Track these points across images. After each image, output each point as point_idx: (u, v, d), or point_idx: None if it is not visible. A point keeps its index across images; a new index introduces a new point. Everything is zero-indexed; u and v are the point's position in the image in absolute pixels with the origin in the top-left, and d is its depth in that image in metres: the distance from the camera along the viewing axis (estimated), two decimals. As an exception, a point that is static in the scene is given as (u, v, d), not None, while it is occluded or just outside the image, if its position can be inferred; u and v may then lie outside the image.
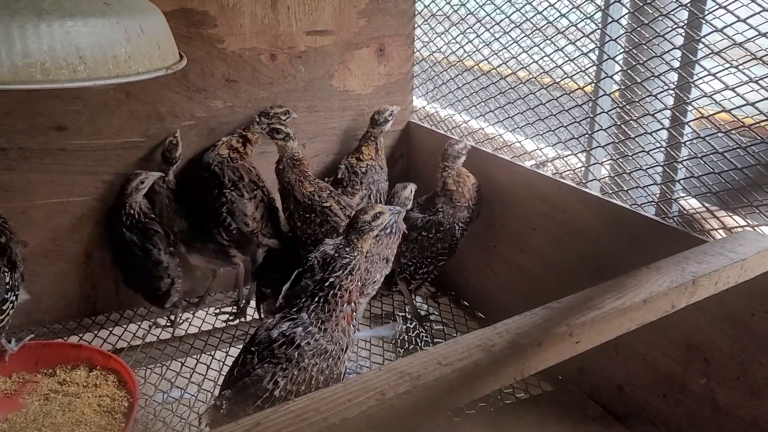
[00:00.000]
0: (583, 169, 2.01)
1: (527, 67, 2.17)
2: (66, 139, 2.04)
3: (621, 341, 1.18)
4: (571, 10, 1.98)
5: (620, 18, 1.82)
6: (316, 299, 1.50)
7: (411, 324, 2.30)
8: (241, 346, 2.08)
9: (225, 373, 1.52)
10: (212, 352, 2.09)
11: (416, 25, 2.59)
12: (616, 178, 1.88)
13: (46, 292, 2.15)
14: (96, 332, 2.17)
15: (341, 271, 1.50)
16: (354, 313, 1.54)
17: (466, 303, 2.43)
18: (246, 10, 2.21)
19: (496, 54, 2.30)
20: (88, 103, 2.04)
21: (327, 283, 1.50)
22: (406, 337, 2.23)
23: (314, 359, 1.44)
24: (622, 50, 1.83)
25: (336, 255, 1.52)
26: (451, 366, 0.98)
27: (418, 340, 2.21)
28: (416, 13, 2.57)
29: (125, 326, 2.22)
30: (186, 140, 2.22)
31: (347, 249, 1.52)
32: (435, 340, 2.20)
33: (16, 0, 1.01)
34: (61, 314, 2.19)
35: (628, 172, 1.83)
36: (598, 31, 1.88)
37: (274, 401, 1.36)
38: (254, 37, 2.25)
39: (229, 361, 2.01)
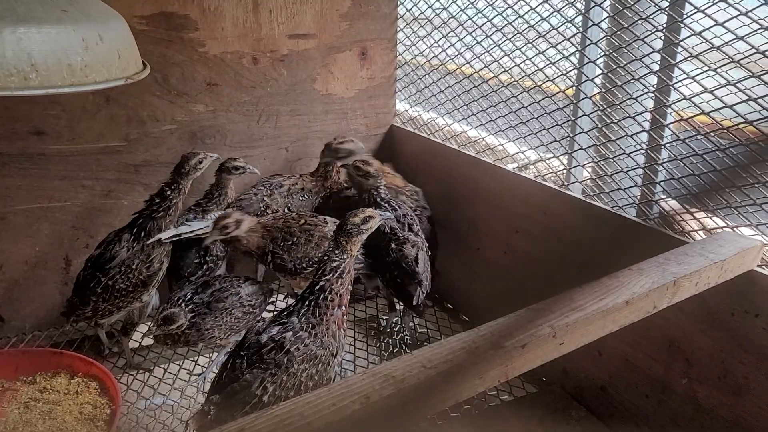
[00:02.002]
0: (564, 171, 2.02)
1: (509, 71, 2.18)
2: (45, 144, 2.02)
3: (604, 342, 1.19)
4: (552, 13, 2.00)
5: (601, 22, 1.84)
6: (307, 303, 1.49)
7: (395, 327, 2.30)
8: (224, 352, 2.09)
9: (213, 378, 1.50)
10: (195, 358, 2.07)
11: (399, 29, 2.60)
12: (597, 180, 1.90)
13: (25, 298, 2.12)
14: (77, 339, 2.14)
15: (331, 274, 1.49)
16: (344, 317, 1.54)
17: (449, 306, 2.44)
18: (227, 13, 2.20)
19: (478, 57, 2.31)
20: (67, 107, 2.02)
21: (317, 287, 1.49)
22: (390, 340, 2.23)
23: (304, 364, 1.43)
24: (603, 54, 1.85)
25: (326, 258, 1.51)
26: (436, 369, 0.98)
27: (403, 344, 2.21)
28: (398, 16, 2.58)
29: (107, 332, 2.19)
30: (167, 144, 2.20)
31: (336, 252, 1.51)
32: (419, 344, 2.19)
33: None
34: (41, 321, 2.16)
35: (609, 174, 1.84)
36: (579, 34, 1.90)
37: (262, 407, 1.35)
38: (236, 40, 2.24)
39: (214, 367, 2.00)
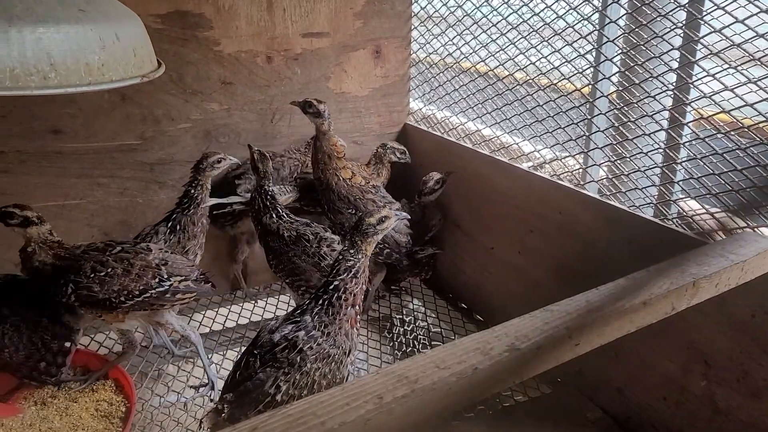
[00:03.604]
0: (580, 170, 2.00)
1: (524, 69, 2.16)
2: (62, 143, 2.03)
3: (620, 343, 1.17)
4: (568, 11, 1.98)
5: (618, 19, 1.82)
6: (320, 302, 1.48)
7: (408, 327, 2.29)
8: (236, 350, 2.09)
9: (226, 377, 1.51)
10: (209, 356, 2.08)
11: (413, 27, 2.59)
12: (614, 179, 1.88)
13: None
14: (92, 336, 2.15)
15: (345, 274, 1.48)
16: (357, 317, 1.53)
17: (463, 305, 2.42)
18: (242, 12, 2.20)
19: (492, 55, 2.29)
20: (83, 106, 2.03)
21: (331, 286, 1.48)
22: (403, 340, 2.22)
23: (317, 363, 1.43)
24: (620, 51, 1.83)
25: (340, 258, 1.51)
26: (450, 369, 0.97)
27: (416, 343, 2.20)
28: (413, 14, 2.57)
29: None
30: (182, 143, 2.21)
31: (351, 251, 1.50)
32: (433, 343, 2.19)
33: None
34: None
35: (626, 173, 1.82)
36: (596, 32, 1.87)
37: (275, 406, 1.35)
38: (250, 39, 2.24)
39: (227, 365, 2.01)
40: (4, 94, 1.01)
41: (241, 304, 2.41)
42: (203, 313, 2.34)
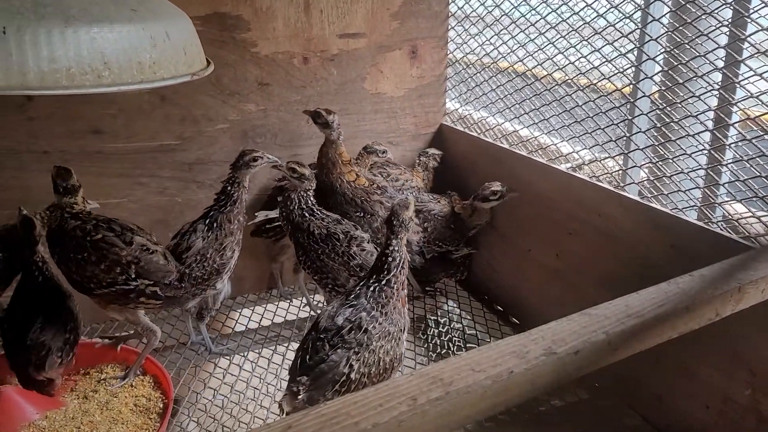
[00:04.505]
0: (620, 172, 1.96)
1: (563, 69, 2.13)
2: (103, 143, 2.08)
3: (661, 349, 1.13)
4: (609, 9, 1.94)
5: (661, 17, 1.77)
6: (372, 288, 1.55)
7: (443, 328, 2.28)
8: (271, 348, 2.11)
9: (294, 362, 1.54)
10: (245, 353, 2.10)
11: (450, 27, 2.57)
12: (655, 181, 1.83)
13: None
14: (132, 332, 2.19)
15: (396, 270, 1.56)
16: (406, 297, 1.62)
17: (499, 308, 2.40)
18: (279, 14, 2.22)
19: (531, 55, 2.27)
20: (124, 107, 2.08)
21: (384, 281, 1.55)
22: (438, 341, 2.21)
23: (380, 341, 1.51)
24: (663, 50, 1.78)
25: (388, 252, 1.57)
26: (485, 372, 0.95)
27: (451, 345, 2.18)
28: (450, 14, 2.55)
29: (160, 326, 2.24)
30: (219, 143, 2.24)
31: (397, 247, 1.57)
32: (468, 346, 2.17)
33: (44, 6, 1.02)
34: (98, 314, 2.22)
35: (668, 175, 1.78)
36: (638, 30, 1.83)
37: (350, 384, 1.45)
38: (287, 40, 2.26)
39: (262, 362, 2.03)
40: (61, 92, 1.04)
41: (276, 303, 2.42)
42: (239, 311, 2.36)
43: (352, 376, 1.45)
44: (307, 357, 1.48)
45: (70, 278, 1.74)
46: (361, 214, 2.12)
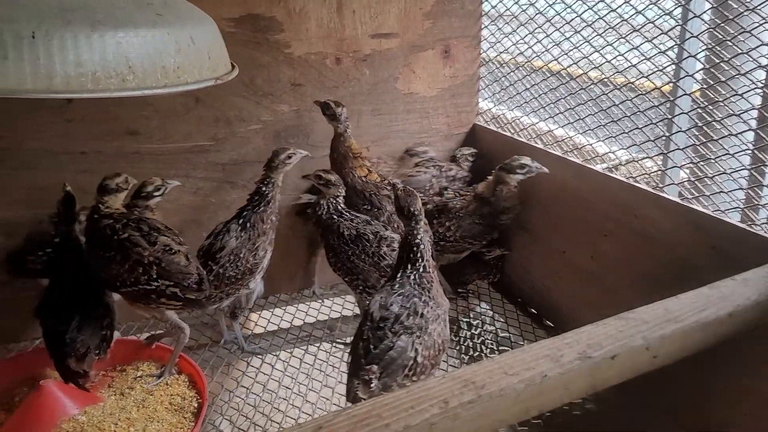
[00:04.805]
0: (659, 173, 1.92)
1: (599, 67, 2.09)
2: (138, 143, 2.11)
3: (703, 355, 1.10)
4: (648, 6, 1.90)
5: (702, 14, 1.72)
6: (412, 276, 1.59)
7: (475, 330, 2.25)
8: (303, 348, 2.12)
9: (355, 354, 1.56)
10: (277, 353, 2.11)
11: (483, 26, 2.55)
12: (696, 182, 1.78)
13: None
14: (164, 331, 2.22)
15: (427, 254, 1.61)
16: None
17: (533, 310, 2.36)
18: (312, 14, 2.23)
19: (566, 54, 2.23)
20: (159, 108, 2.10)
21: (421, 268, 1.59)
22: (471, 344, 2.18)
23: (434, 324, 1.56)
24: (704, 47, 1.73)
25: (416, 242, 1.60)
26: (518, 376, 0.94)
27: (483, 348, 2.16)
28: (483, 13, 2.53)
29: (192, 324, 2.26)
30: (252, 144, 2.26)
31: (421, 233, 1.60)
32: (500, 348, 2.14)
33: (71, 10, 1.03)
34: (133, 312, 2.26)
35: (710, 176, 1.73)
36: (678, 27, 1.79)
37: (416, 368, 1.49)
38: (320, 41, 2.26)
39: (294, 362, 2.04)
40: (86, 96, 1.05)
41: (308, 303, 2.43)
42: (271, 310, 2.38)
43: (419, 359, 1.49)
44: (371, 347, 1.51)
45: (98, 275, 1.77)
46: (369, 207, 2.11)
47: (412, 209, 1.59)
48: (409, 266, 1.60)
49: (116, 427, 1.64)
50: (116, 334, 1.85)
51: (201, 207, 2.27)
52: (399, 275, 1.61)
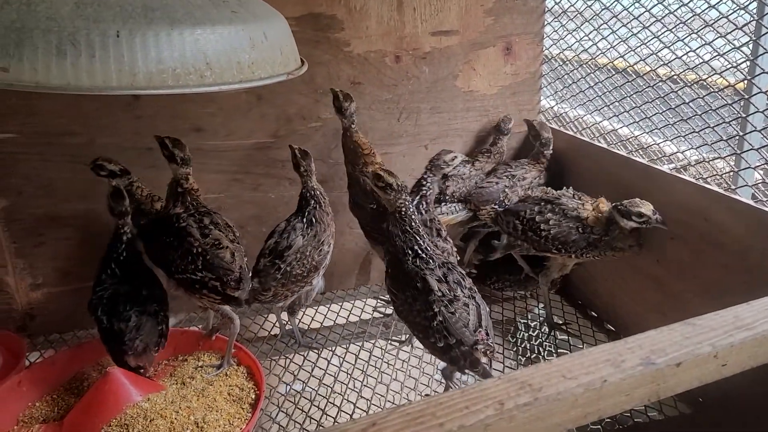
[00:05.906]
0: (731, 174, 1.83)
1: (669, 64, 2.02)
2: (203, 140, 2.17)
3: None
4: (721, 0, 1.82)
5: (780, 6, 1.64)
6: (423, 250, 1.73)
7: (533, 332, 2.21)
8: (358, 345, 2.13)
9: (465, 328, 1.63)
10: (332, 348, 2.14)
11: (546, 23, 2.50)
12: (771, 184, 1.70)
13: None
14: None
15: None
16: None
17: (593, 314, 2.30)
18: (372, 12, 2.23)
19: (632, 50, 2.16)
20: (223, 106, 2.16)
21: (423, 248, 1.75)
22: (528, 345, 2.15)
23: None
24: (782, 42, 1.65)
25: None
26: (576, 380, 0.91)
27: (541, 350, 2.12)
28: (546, 10, 2.47)
29: (253, 318, 2.32)
30: (312, 141, 2.29)
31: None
32: (559, 351, 2.10)
33: (153, 9, 1.07)
34: (195, 305, 2.33)
35: (786, 177, 1.64)
36: (754, 22, 1.70)
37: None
38: (380, 39, 2.27)
39: (349, 358, 2.06)
40: (166, 92, 1.09)
41: (364, 300, 2.45)
42: (328, 306, 2.40)
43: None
44: (478, 319, 1.63)
45: (155, 257, 1.83)
46: (375, 206, 2.08)
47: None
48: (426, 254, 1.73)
49: (177, 415, 1.68)
50: (171, 321, 1.92)
51: (261, 202, 2.31)
52: (422, 253, 1.74)
